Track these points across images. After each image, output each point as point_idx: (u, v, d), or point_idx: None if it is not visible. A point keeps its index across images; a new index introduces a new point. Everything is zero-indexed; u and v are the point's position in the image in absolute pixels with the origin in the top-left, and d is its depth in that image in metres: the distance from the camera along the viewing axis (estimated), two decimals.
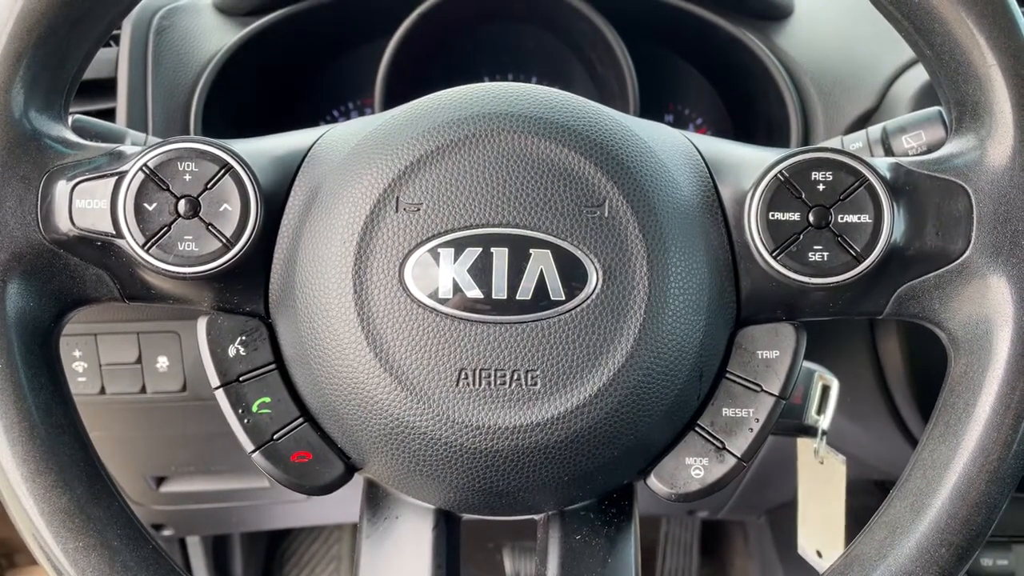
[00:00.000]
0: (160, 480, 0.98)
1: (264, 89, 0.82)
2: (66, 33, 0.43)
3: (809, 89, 0.76)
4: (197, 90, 0.73)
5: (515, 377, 0.41)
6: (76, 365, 0.76)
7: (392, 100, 0.79)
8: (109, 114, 0.70)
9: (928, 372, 0.75)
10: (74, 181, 0.43)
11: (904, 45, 0.46)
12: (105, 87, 0.70)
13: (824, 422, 0.59)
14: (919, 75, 0.72)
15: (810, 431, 0.59)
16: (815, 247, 0.43)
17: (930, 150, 0.55)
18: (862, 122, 0.74)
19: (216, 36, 0.76)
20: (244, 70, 0.76)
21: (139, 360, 0.77)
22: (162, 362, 0.77)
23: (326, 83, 0.87)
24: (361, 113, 0.89)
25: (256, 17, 0.77)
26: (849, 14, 0.79)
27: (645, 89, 0.79)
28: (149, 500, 1.00)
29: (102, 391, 0.78)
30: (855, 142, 0.57)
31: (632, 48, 0.78)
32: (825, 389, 0.59)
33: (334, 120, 0.89)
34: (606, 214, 0.42)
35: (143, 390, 0.78)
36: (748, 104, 0.84)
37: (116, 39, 0.71)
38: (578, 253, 0.42)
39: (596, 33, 0.78)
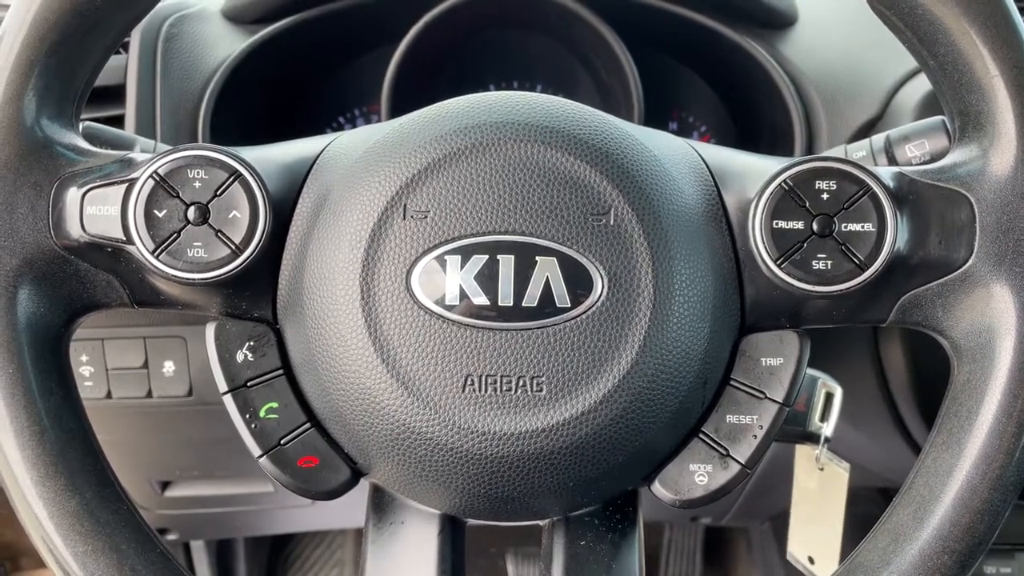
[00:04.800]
0: (165, 484, 0.98)
1: (272, 96, 0.83)
2: (78, 42, 0.43)
3: (813, 97, 0.76)
4: (205, 97, 0.73)
5: (521, 383, 0.42)
6: (83, 370, 0.77)
7: (398, 107, 0.79)
8: (118, 121, 0.70)
9: (931, 379, 0.75)
10: (85, 188, 0.43)
11: (908, 54, 0.47)
12: (114, 94, 0.70)
13: (827, 429, 0.59)
14: (923, 84, 0.72)
15: (813, 438, 0.59)
16: (819, 255, 0.43)
17: (933, 159, 0.56)
18: (866, 130, 0.75)
19: (224, 44, 0.76)
20: (252, 77, 0.77)
21: (146, 365, 0.77)
22: (168, 367, 0.78)
23: (333, 90, 0.88)
24: (367, 120, 0.90)
25: (264, 25, 0.78)
26: (853, 23, 0.79)
27: (650, 97, 0.80)
28: (154, 504, 1.01)
29: (108, 395, 0.78)
30: (859, 151, 0.57)
31: (637, 56, 0.78)
32: (828, 396, 0.60)
33: (340, 127, 0.90)
34: (611, 222, 0.43)
35: (149, 395, 0.78)
36: (752, 112, 0.85)
37: (125, 46, 0.72)
38: (584, 261, 0.42)
39: (601, 41, 0.78)
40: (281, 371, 0.45)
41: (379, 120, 0.85)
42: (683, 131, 0.91)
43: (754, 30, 0.78)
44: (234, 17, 0.78)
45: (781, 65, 0.77)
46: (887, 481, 0.94)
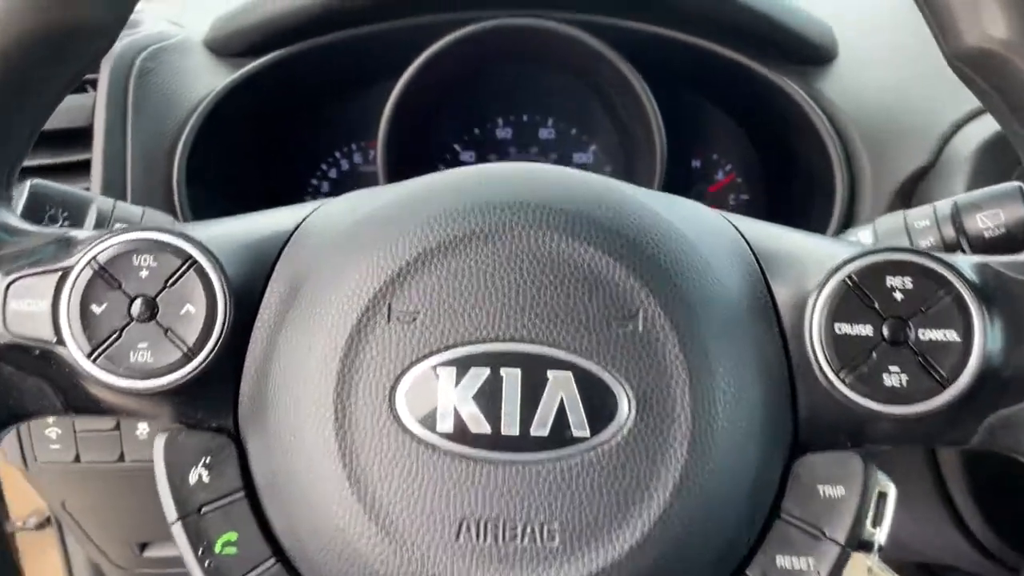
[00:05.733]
0: (143, 545, 0.92)
1: (258, 134, 0.76)
2: (5, 106, 0.37)
3: (855, 140, 0.69)
4: (183, 136, 0.67)
5: (528, 531, 0.34)
6: (49, 431, 0.70)
7: (395, 146, 0.73)
8: (84, 166, 0.64)
9: (990, 475, 0.67)
10: (11, 277, 0.36)
11: (965, 93, 0.39)
12: (79, 136, 0.64)
13: (881, 535, 0.51)
14: (982, 128, 0.65)
15: (866, 546, 0.51)
16: (891, 368, 0.36)
17: (1008, 231, 0.48)
18: (916, 180, 0.67)
19: (206, 78, 0.70)
20: (236, 114, 0.70)
21: (117, 427, 0.71)
22: (142, 429, 0.71)
23: (327, 125, 0.81)
24: (364, 157, 0.83)
25: (251, 58, 0.71)
26: (900, 58, 0.72)
27: (672, 133, 0.73)
28: (133, 565, 0.94)
29: (77, 459, 0.72)
30: (921, 220, 0.50)
31: (657, 90, 0.71)
32: (881, 496, 0.52)
33: (335, 163, 0.83)
34: (639, 328, 0.35)
35: (121, 458, 0.72)
36: (785, 152, 0.78)
37: (93, 84, 0.65)
38: (606, 377, 0.35)
39: (621, 80, 0.71)
40: (242, 493, 0.38)
41: (375, 155, 0.78)
42: (707, 170, 0.84)
43: (789, 66, 0.71)
44: (218, 49, 0.72)
45: (819, 104, 0.70)
46: (927, 557, 0.87)
